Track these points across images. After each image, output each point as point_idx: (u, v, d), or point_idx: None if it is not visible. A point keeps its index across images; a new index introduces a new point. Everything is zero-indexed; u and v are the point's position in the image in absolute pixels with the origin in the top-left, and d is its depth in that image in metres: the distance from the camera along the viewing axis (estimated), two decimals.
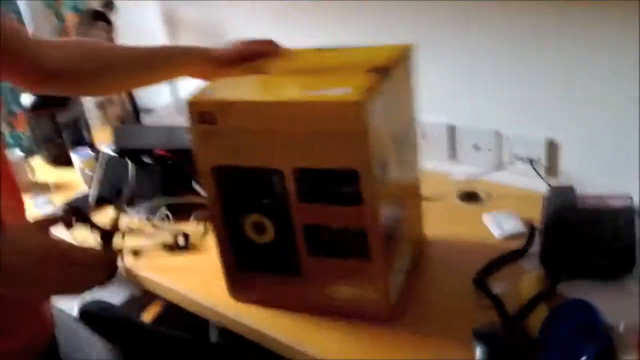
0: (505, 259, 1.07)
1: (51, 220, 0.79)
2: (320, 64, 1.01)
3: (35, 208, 1.49)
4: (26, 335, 0.88)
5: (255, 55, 1.02)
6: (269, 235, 0.95)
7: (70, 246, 0.78)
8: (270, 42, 1.05)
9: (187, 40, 1.79)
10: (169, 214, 1.33)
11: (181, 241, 1.26)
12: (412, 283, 1.05)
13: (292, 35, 1.52)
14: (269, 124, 0.87)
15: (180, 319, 1.20)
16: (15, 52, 0.92)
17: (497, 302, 0.96)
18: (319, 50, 1.06)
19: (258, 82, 0.98)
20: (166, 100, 1.92)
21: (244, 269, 1.01)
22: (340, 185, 0.87)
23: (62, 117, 1.67)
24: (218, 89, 0.95)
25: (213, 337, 1.28)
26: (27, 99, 1.67)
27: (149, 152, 1.39)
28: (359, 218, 0.88)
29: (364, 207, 0.87)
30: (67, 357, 0.94)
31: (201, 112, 0.89)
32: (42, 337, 0.92)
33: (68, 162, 1.64)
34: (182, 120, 1.79)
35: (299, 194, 0.90)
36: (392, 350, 0.92)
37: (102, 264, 0.80)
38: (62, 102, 1.67)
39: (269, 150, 0.89)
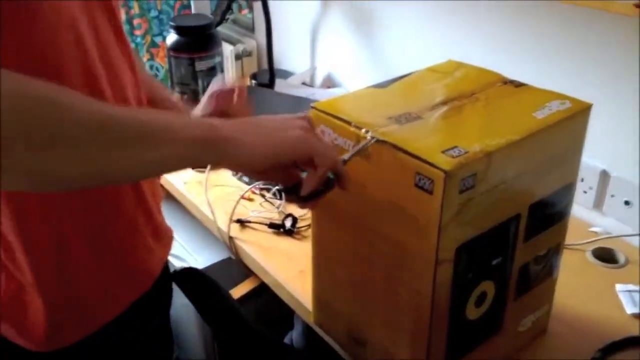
0: (632, 342, 0.96)
1: None
2: (456, 90, 0.89)
3: None
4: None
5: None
6: (487, 303, 0.84)
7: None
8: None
9: (337, 11, 1.73)
10: (282, 192, 1.30)
11: (288, 224, 1.23)
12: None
13: (439, 27, 1.45)
14: (521, 164, 0.79)
15: (271, 301, 1.18)
16: None
17: None
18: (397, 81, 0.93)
19: (458, 123, 0.81)
20: (304, 66, 1.87)
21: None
22: (554, 204, 0.88)
23: (201, 64, 1.66)
24: (456, 143, 0.74)
25: (297, 330, 1.26)
26: (171, 38, 1.68)
27: None
28: (561, 233, 0.93)
29: (565, 219, 0.92)
30: None
31: (464, 178, 0.71)
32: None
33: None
34: (315, 91, 1.76)
35: (526, 234, 0.84)
36: None
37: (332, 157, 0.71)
38: (204, 48, 1.67)
39: (513, 196, 0.80)
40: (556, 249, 0.92)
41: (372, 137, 0.76)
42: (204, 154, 0.64)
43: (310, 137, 0.68)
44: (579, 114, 0.84)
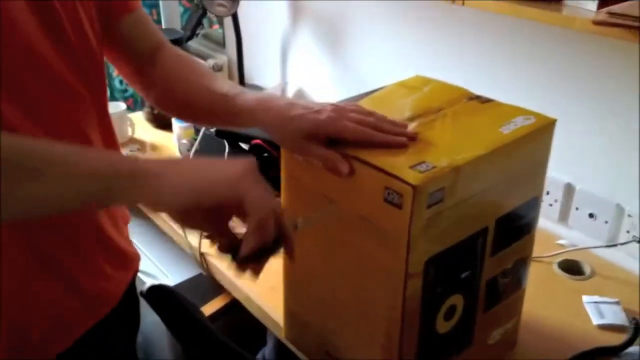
0: (599, 353, 0.97)
1: None
2: (424, 106, 0.90)
3: None
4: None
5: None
6: (456, 316, 0.85)
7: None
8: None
9: (308, 27, 1.74)
10: None
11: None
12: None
13: (407, 42, 1.47)
14: (489, 178, 0.80)
15: (242, 318, 1.18)
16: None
17: None
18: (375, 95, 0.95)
19: (427, 138, 0.82)
20: (274, 81, 1.88)
21: None
22: (522, 218, 0.89)
23: None
24: (423, 158, 0.75)
25: (269, 346, 1.25)
26: None
27: (246, 139, 1.35)
28: (528, 245, 0.93)
29: (532, 232, 0.92)
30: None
31: (432, 193, 0.72)
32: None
33: (167, 126, 1.64)
34: None
35: (493, 246, 0.85)
36: None
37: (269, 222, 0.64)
38: None
39: (481, 210, 0.81)
40: (523, 262, 0.94)
41: (321, 214, 0.75)
42: (124, 188, 0.60)
43: (244, 179, 0.61)
44: (544, 128, 0.86)
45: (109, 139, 0.85)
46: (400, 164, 0.73)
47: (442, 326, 0.84)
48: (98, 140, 0.81)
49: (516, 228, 0.89)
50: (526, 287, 0.97)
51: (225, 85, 0.87)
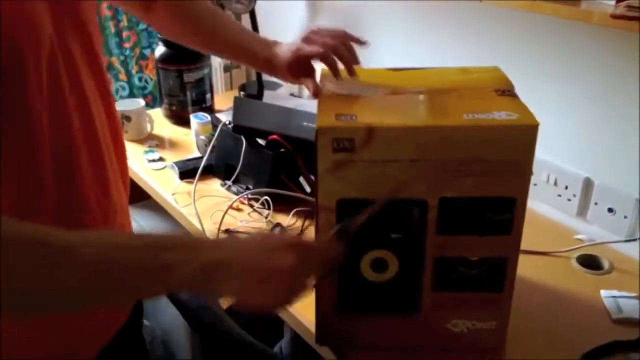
0: (617, 346, 0.96)
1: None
2: (439, 84, 0.93)
3: (146, 162, 1.51)
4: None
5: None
6: (390, 272, 0.88)
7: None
8: (342, 37, 1.01)
9: (325, 24, 1.74)
10: (270, 201, 1.30)
11: (276, 233, 1.23)
12: None
13: (425, 41, 1.47)
14: (422, 151, 0.80)
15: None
16: None
17: None
18: (414, 70, 1.01)
19: (395, 104, 0.89)
20: None
21: (346, 311, 0.92)
22: (489, 213, 0.85)
23: (189, 76, 1.68)
24: (356, 112, 0.84)
25: (286, 339, 1.26)
26: (159, 50, 1.69)
27: (264, 134, 1.36)
28: (506, 247, 0.88)
29: (513, 235, 0.86)
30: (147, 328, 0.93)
31: (337, 138, 0.79)
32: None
33: (185, 122, 1.65)
34: (303, 102, 1.78)
35: (438, 225, 0.85)
36: None
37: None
38: (192, 60, 1.68)
39: (413, 180, 0.82)
40: (502, 262, 0.89)
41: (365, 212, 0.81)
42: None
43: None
44: (517, 129, 0.81)
45: (120, 145, 0.86)
46: (332, 112, 0.82)
47: (370, 275, 0.89)
48: (111, 151, 0.82)
49: (478, 220, 0.86)
50: (512, 292, 0.91)
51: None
